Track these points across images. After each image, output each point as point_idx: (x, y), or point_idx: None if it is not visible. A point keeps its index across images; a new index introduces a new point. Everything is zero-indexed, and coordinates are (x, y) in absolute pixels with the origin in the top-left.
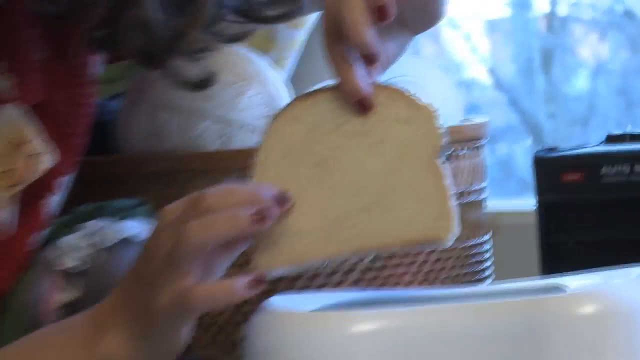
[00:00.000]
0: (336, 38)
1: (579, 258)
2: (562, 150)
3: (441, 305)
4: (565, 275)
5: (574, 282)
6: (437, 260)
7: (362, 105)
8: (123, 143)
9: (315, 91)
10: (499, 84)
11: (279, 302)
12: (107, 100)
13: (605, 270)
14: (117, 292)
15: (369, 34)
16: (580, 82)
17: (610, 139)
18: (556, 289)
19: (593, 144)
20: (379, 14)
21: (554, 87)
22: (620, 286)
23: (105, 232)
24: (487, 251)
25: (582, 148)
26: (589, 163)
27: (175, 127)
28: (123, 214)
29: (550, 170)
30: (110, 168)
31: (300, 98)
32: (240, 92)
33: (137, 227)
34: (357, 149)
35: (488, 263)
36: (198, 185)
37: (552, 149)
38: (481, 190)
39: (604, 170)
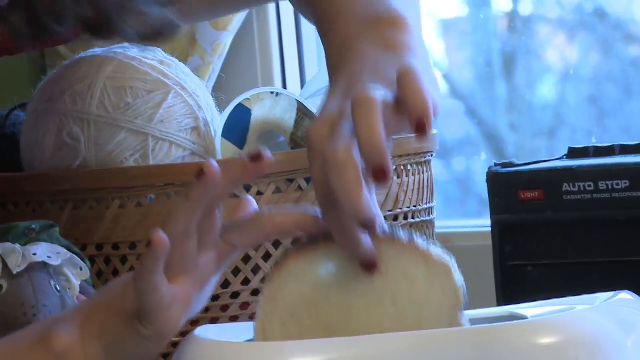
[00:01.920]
0: (330, 204)
1: (539, 283)
2: (520, 166)
3: (388, 333)
4: (524, 303)
5: (534, 310)
6: None
7: (367, 267)
8: (31, 158)
9: (310, 245)
10: (455, 92)
11: (209, 331)
12: (13, 110)
13: (568, 297)
14: (84, 300)
15: (362, 201)
16: (546, 89)
17: (573, 153)
18: (514, 317)
19: (553, 158)
20: (375, 177)
21: (516, 95)
22: (584, 314)
23: (10, 258)
24: None
25: (542, 163)
26: (549, 180)
27: (87, 140)
28: (29, 238)
29: (506, 187)
30: (19, 187)
31: (295, 254)
32: (159, 101)
33: (45, 252)
34: (368, 310)
35: None
36: (114, 205)
37: (508, 164)
38: (430, 209)
39: (565, 187)
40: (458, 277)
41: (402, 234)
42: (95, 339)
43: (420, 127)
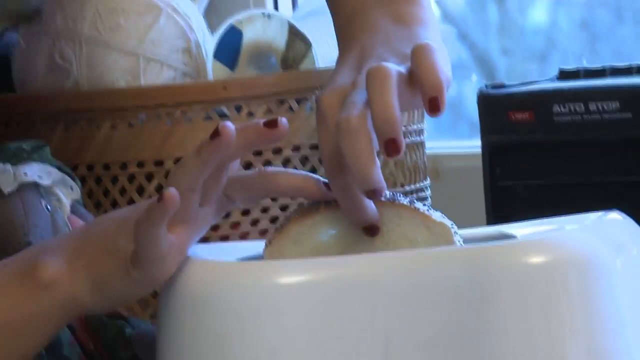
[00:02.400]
0: (337, 171)
1: (528, 204)
2: (510, 87)
3: (377, 254)
4: (514, 223)
5: (524, 229)
6: None
7: (369, 231)
8: (23, 79)
9: (312, 210)
10: (447, 16)
11: (202, 251)
12: (5, 31)
13: (558, 217)
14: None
15: (373, 170)
16: (538, 14)
17: (563, 75)
18: (504, 237)
19: (544, 79)
20: (387, 149)
21: (508, 19)
22: (574, 234)
23: (1, 178)
24: (427, 197)
25: (532, 85)
26: (539, 101)
27: (79, 61)
28: (20, 158)
29: (497, 109)
30: (11, 107)
31: (296, 219)
32: (150, 23)
33: (36, 172)
34: None
35: None
36: (105, 126)
37: (499, 86)
38: (420, 131)
39: (555, 109)
40: (458, 239)
41: (403, 198)
42: (83, 273)
43: (434, 105)
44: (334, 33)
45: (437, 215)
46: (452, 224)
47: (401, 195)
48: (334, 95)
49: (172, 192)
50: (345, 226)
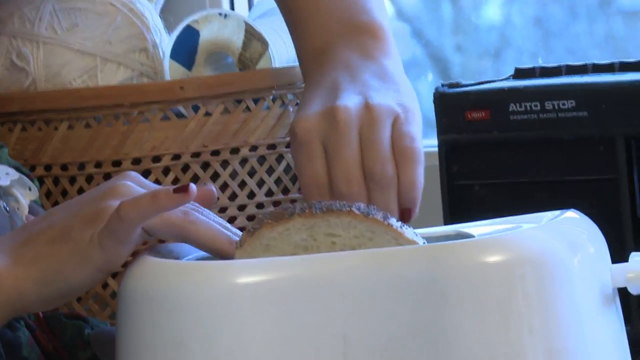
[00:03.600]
0: (318, 193)
1: (485, 202)
2: (466, 86)
3: (334, 253)
4: (472, 222)
5: (481, 229)
6: None
7: None
8: None
9: (285, 215)
10: (400, 14)
11: (158, 250)
12: None
13: (515, 216)
14: (20, 228)
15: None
16: (492, 11)
17: (519, 73)
18: (461, 236)
19: (500, 79)
20: (402, 215)
21: (462, 17)
22: (531, 233)
23: None
24: None
25: (488, 83)
26: (495, 100)
27: (36, 61)
28: None
29: (453, 107)
30: None
31: (268, 224)
32: (107, 23)
33: None
34: None
35: None
36: (62, 126)
37: (454, 85)
38: None
39: (511, 107)
40: None
41: (377, 212)
42: (29, 267)
43: (406, 215)
44: (299, 65)
45: (409, 233)
46: (424, 242)
47: (375, 209)
48: (311, 121)
49: (193, 187)
50: (317, 234)
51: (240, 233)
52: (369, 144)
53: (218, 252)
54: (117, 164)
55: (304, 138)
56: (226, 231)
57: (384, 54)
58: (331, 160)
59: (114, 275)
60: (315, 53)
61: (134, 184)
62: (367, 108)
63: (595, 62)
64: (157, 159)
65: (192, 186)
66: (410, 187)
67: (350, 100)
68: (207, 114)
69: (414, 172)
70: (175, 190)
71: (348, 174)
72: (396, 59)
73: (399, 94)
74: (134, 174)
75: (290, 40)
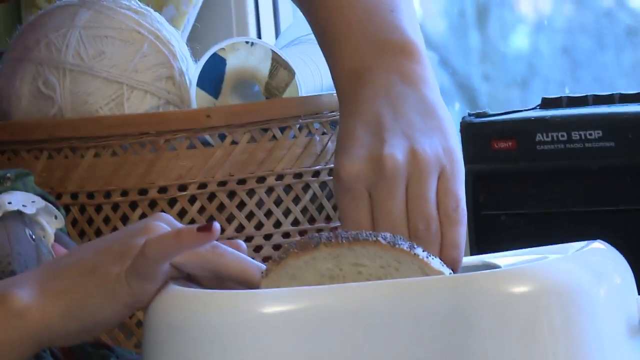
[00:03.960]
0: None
1: (512, 233)
2: (493, 115)
3: (360, 283)
4: (498, 252)
5: (507, 259)
6: None
7: None
8: (6, 107)
9: (311, 245)
10: (428, 42)
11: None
12: None
13: (541, 246)
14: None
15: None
16: (520, 40)
17: (546, 103)
18: (487, 266)
19: (527, 108)
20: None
21: (489, 45)
22: (557, 263)
23: None
24: None
25: (515, 113)
26: (522, 129)
27: (62, 89)
28: (4, 187)
29: (480, 137)
30: None
31: (294, 253)
32: (134, 50)
33: (20, 201)
34: None
35: None
36: (89, 154)
37: (481, 114)
38: None
39: (538, 137)
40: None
41: (403, 242)
42: (56, 299)
43: None
44: (334, 87)
45: (436, 263)
46: (450, 273)
47: (402, 239)
48: (356, 167)
49: (216, 226)
50: (343, 264)
51: (263, 266)
52: (416, 199)
53: (248, 283)
54: (143, 192)
55: (350, 185)
56: (255, 261)
57: (423, 81)
58: (376, 210)
59: None
60: (351, 75)
61: (165, 225)
62: (414, 156)
63: (622, 92)
64: (183, 187)
65: (216, 225)
66: (453, 247)
67: (396, 147)
68: (234, 142)
69: (458, 233)
70: (199, 230)
71: (393, 227)
72: (434, 85)
73: (443, 134)
74: (166, 215)
75: (317, 69)
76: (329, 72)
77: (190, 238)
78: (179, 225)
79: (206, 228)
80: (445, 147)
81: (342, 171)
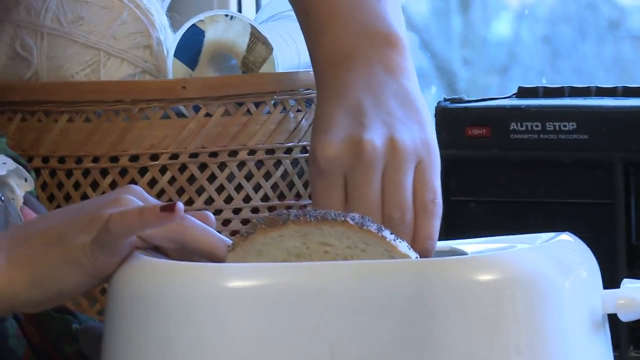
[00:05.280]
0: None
1: (481, 220)
2: (468, 102)
3: (325, 262)
4: (466, 239)
5: (475, 246)
6: None
7: None
8: None
9: (279, 222)
10: (409, 24)
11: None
12: None
13: (510, 235)
14: (20, 226)
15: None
16: (502, 27)
17: (522, 92)
18: (454, 252)
19: (503, 97)
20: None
21: (471, 31)
22: (524, 253)
23: None
24: None
25: (491, 100)
26: (497, 118)
27: (39, 52)
28: None
29: (454, 123)
30: None
31: (262, 229)
32: (113, 17)
33: None
34: None
35: None
36: (62, 119)
37: (457, 100)
38: None
39: (512, 126)
40: None
41: (372, 224)
42: (23, 266)
43: None
44: (313, 69)
45: (403, 247)
46: (416, 257)
47: (371, 220)
48: (334, 150)
49: (180, 206)
50: (310, 243)
51: (229, 241)
52: (392, 187)
53: (214, 257)
54: (114, 159)
55: (326, 167)
56: (222, 236)
57: (404, 72)
58: (350, 194)
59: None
60: (333, 61)
61: (135, 199)
62: (393, 145)
63: (599, 85)
64: (155, 157)
65: (179, 205)
66: (427, 239)
67: (376, 134)
68: (208, 115)
69: (432, 225)
70: (162, 209)
71: (367, 213)
72: (414, 77)
73: (422, 126)
74: (138, 188)
75: (296, 46)
76: (308, 54)
77: (153, 217)
78: (150, 199)
79: (169, 208)
80: (424, 139)
81: (320, 152)
